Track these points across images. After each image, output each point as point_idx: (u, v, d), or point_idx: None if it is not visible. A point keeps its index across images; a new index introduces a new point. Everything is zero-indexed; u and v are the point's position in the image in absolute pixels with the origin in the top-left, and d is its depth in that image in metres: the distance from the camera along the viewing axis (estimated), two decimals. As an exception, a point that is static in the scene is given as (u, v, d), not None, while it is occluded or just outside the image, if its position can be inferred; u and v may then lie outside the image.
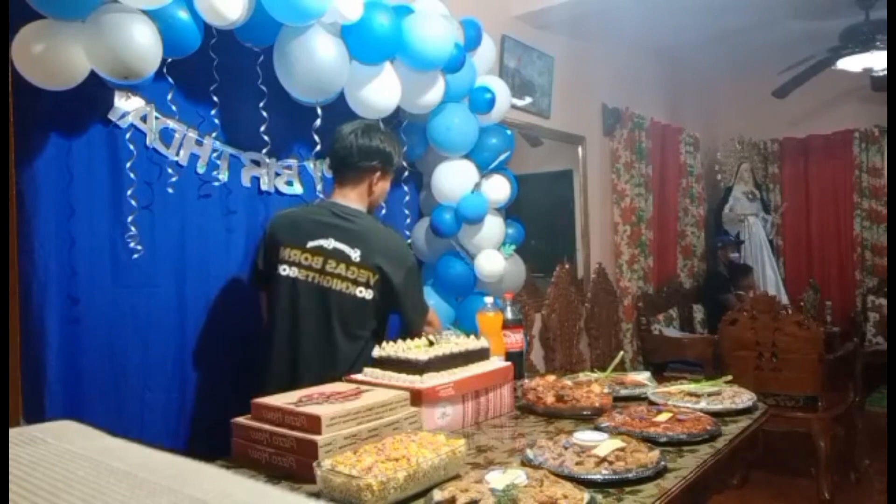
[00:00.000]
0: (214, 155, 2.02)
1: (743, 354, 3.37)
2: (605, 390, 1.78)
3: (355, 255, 1.85)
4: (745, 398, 1.73)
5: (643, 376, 1.99)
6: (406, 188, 2.60)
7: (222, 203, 2.05)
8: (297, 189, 2.24)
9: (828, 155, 5.62)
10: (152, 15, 1.61)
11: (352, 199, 1.95)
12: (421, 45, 2.11)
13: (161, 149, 1.89)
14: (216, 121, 2.01)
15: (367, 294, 1.86)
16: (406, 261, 1.94)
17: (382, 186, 2.01)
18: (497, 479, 1.14)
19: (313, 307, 1.86)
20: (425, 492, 1.15)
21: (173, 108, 1.88)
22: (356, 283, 1.85)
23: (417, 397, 1.50)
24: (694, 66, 5.29)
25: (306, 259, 1.87)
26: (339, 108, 2.13)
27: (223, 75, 1.97)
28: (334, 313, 1.85)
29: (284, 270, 1.87)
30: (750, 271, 5.07)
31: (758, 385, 2.44)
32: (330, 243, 1.86)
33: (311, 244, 1.87)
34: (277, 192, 2.19)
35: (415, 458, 1.17)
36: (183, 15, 1.67)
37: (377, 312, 1.89)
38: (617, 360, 2.12)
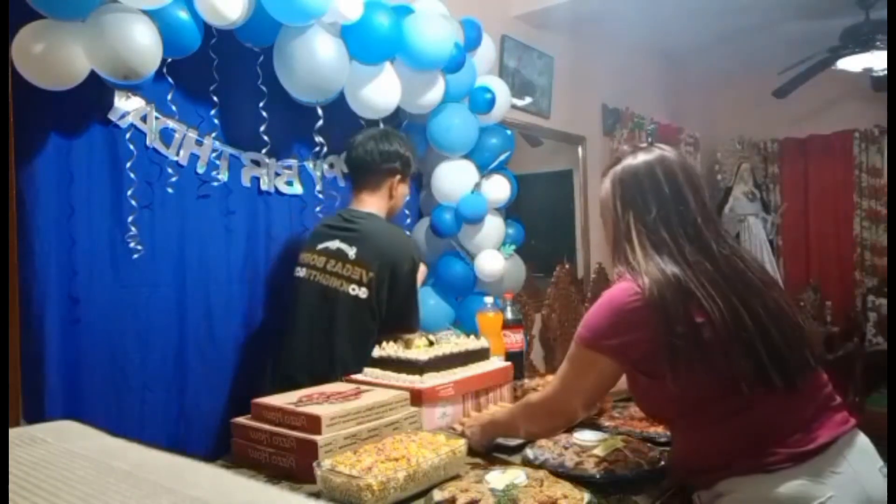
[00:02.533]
0: (214, 155, 2.01)
1: (743, 354, 3.36)
2: (605, 390, 1.78)
3: (352, 252, 1.90)
4: (745, 398, 1.73)
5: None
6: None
7: (222, 203, 2.04)
8: (297, 189, 2.23)
9: (828, 155, 5.61)
10: (152, 15, 1.61)
11: (368, 204, 2.01)
12: (421, 45, 2.11)
13: (161, 149, 1.89)
14: (216, 121, 2.01)
15: (362, 292, 1.87)
16: (401, 262, 1.90)
17: (402, 190, 2.08)
18: (497, 479, 1.14)
19: (313, 305, 1.91)
20: (425, 492, 1.15)
21: (173, 108, 1.88)
22: (350, 280, 1.89)
23: (417, 397, 1.50)
24: (694, 66, 5.29)
25: (313, 260, 1.95)
26: (339, 108, 2.13)
27: (223, 75, 1.97)
28: (331, 311, 1.89)
29: (297, 272, 1.97)
30: None
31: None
32: (334, 244, 1.94)
33: (319, 246, 1.95)
34: (277, 192, 2.18)
35: (415, 458, 1.17)
36: (183, 15, 1.68)
37: (373, 312, 1.88)
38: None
